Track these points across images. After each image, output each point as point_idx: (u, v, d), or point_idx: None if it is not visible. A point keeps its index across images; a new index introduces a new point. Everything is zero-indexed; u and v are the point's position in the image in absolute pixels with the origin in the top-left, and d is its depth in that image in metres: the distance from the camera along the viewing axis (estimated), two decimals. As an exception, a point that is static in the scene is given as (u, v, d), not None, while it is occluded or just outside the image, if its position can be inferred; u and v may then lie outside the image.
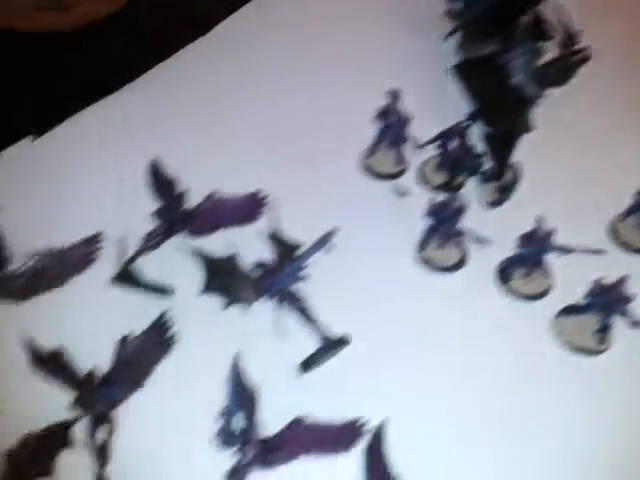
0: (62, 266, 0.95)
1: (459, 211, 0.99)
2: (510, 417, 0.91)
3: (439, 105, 1.22)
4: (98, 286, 0.96)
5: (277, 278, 0.91)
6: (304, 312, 0.90)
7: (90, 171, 1.10)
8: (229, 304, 0.96)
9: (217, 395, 0.85)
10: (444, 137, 1.11)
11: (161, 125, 1.16)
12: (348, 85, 1.29)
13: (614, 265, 1.01)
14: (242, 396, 0.79)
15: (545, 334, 0.99)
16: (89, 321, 0.94)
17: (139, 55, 1.28)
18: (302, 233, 0.99)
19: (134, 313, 0.94)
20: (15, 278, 0.92)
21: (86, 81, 1.24)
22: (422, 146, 1.11)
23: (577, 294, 0.98)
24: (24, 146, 1.14)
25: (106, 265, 0.97)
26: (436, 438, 0.86)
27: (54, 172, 1.10)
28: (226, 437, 0.77)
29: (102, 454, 0.77)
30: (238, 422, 0.77)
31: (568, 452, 0.89)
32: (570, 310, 0.98)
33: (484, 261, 1.06)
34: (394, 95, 1.11)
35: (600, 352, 0.96)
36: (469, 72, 1.21)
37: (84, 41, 1.32)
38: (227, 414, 0.77)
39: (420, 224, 1.07)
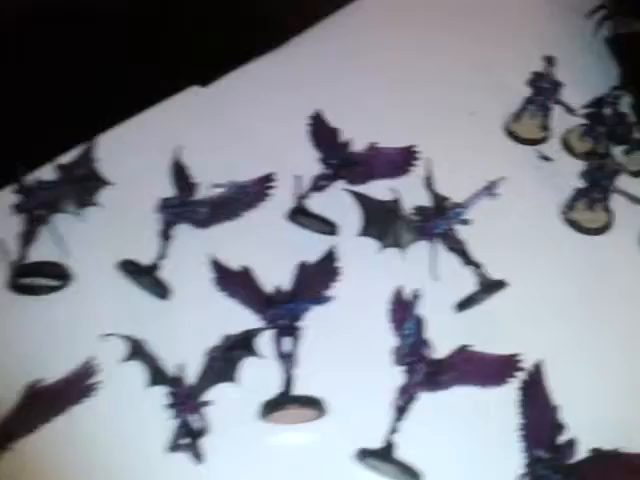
0: (240, 199, 1.05)
1: (614, 173, 1.03)
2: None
3: (589, 75, 1.26)
4: (272, 220, 1.07)
5: (438, 222, 0.98)
6: (464, 254, 0.96)
7: (260, 118, 1.21)
8: (387, 246, 1.04)
9: (378, 326, 0.94)
10: (596, 105, 1.15)
11: (325, 79, 1.25)
12: (504, 49, 1.35)
13: None
14: (416, 321, 0.86)
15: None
16: (264, 250, 1.04)
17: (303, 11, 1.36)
18: (449, 189, 1.05)
19: (304, 246, 1.04)
20: (200, 206, 1.02)
21: (251, 37, 1.34)
22: (575, 112, 1.15)
23: None
24: (197, 92, 1.27)
25: (278, 202, 1.07)
26: (590, 379, 0.92)
27: (228, 117, 1.21)
28: (401, 355, 0.85)
29: (289, 361, 0.87)
30: (411, 342, 0.85)
31: None
32: None
33: (629, 226, 1.10)
34: (549, 61, 1.15)
35: None
36: (621, 45, 1.24)
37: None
38: (403, 335, 0.85)
39: (565, 188, 1.12)
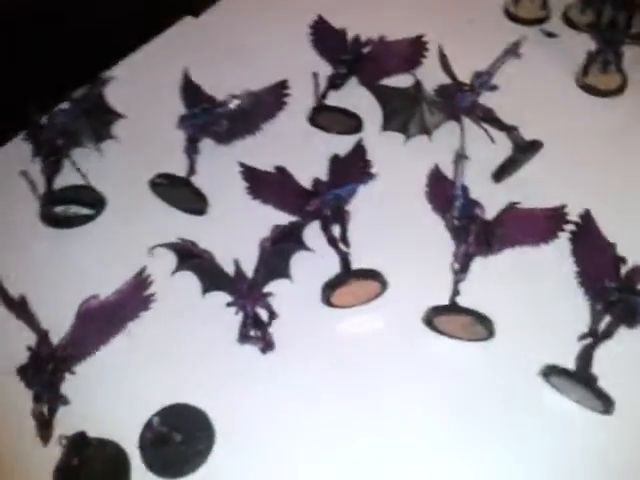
0: (258, 111, 1.03)
1: (625, 29, 1.04)
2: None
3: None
4: (294, 126, 1.06)
5: (464, 95, 0.97)
6: (496, 120, 0.96)
7: (261, 34, 1.21)
8: (412, 135, 1.04)
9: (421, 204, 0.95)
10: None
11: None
12: None
13: None
14: (462, 185, 0.86)
15: None
16: (291, 156, 1.01)
17: None
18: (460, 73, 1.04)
19: (330, 143, 1.03)
20: (220, 117, 1.00)
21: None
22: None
23: None
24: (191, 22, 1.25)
25: (296, 108, 1.06)
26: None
27: (228, 38, 1.21)
28: (452, 220, 0.85)
29: (343, 244, 0.87)
30: (462, 205, 0.85)
31: None
32: None
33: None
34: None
35: None
36: None
37: None
38: (456, 199, 0.85)
39: (575, 59, 1.13)
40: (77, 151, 1.01)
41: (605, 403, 0.75)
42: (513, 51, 0.94)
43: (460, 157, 0.85)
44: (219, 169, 1.01)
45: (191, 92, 1.05)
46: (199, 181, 0.99)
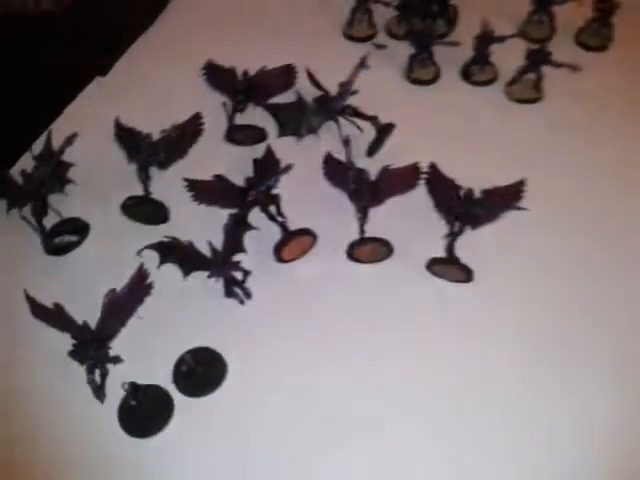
0: (183, 138, 1.35)
1: (434, 34, 1.49)
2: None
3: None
4: (212, 146, 1.39)
5: (336, 101, 1.36)
6: (360, 114, 1.35)
7: (169, 78, 1.55)
8: (304, 135, 1.40)
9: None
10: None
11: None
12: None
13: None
14: (352, 161, 1.25)
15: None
16: (217, 165, 1.35)
17: None
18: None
19: (243, 155, 1.37)
20: (153, 149, 1.30)
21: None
22: (390, 4, 1.59)
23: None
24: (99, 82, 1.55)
25: (210, 135, 1.39)
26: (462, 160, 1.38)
27: (145, 85, 1.53)
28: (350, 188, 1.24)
29: (280, 214, 1.22)
30: (354, 175, 1.24)
31: None
32: (513, 80, 1.51)
33: (451, 70, 1.57)
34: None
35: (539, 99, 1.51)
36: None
37: None
38: (350, 169, 1.23)
39: (402, 59, 1.57)
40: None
41: (467, 274, 1.18)
42: (363, 64, 1.34)
43: (346, 141, 1.23)
44: (167, 187, 1.32)
45: (126, 134, 1.35)
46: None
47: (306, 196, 1.32)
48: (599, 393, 1.10)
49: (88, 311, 1.06)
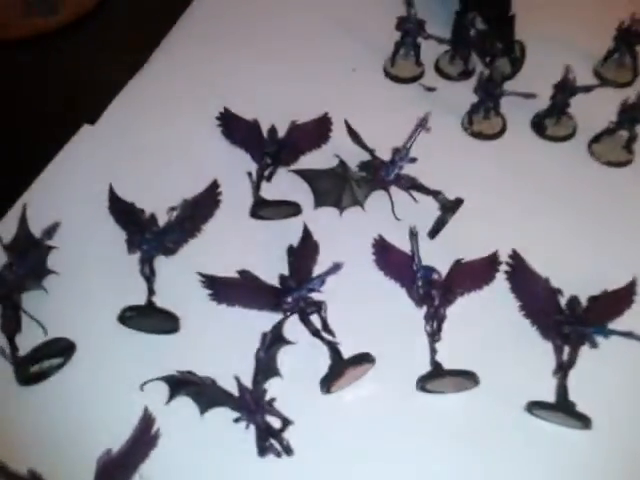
0: (195, 214, 1.06)
1: (502, 80, 1.21)
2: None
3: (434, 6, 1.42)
4: (236, 220, 1.10)
5: (388, 169, 1.07)
6: (422, 187, 1.07)
7: (169, 127, 1.25)
8: (345, 207, 1.12)
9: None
10: (456, 30, 1.31)
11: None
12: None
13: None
14: (418, 254, 0.96)
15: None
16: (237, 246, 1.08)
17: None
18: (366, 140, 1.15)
19: (273, 235, 1.09)
20: (168, 233, 1.01)
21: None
22: (445, 40, 1.30)
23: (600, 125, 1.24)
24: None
25: (230, 211, 1.10)
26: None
27: (139, 137, 1.23)
28: (416, 291, 0.96)
29: (326, 333, 0.94)
30: (422, 274, 0.95)
31: None
32: (598, 137, 1.24)
33: (521, 121, 1.29)
34: (409, 3, 1.28)
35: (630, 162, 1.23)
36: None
37: None
38: (418, 271, 0.95)
39: (457, 105, 1.28)
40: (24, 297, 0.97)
41: (584, 422, 0.89)
42: (423, 125, 1.06)
43: (413, 234, 0.95)
44: (176, 281, 1.03)
45: (122, 211, 1.06)
46: (161, 299, 1.00)
47: (356, 299, 1.03)
48: None
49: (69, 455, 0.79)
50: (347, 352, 0.93)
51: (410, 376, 0.94)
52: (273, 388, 0.91)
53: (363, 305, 1.02)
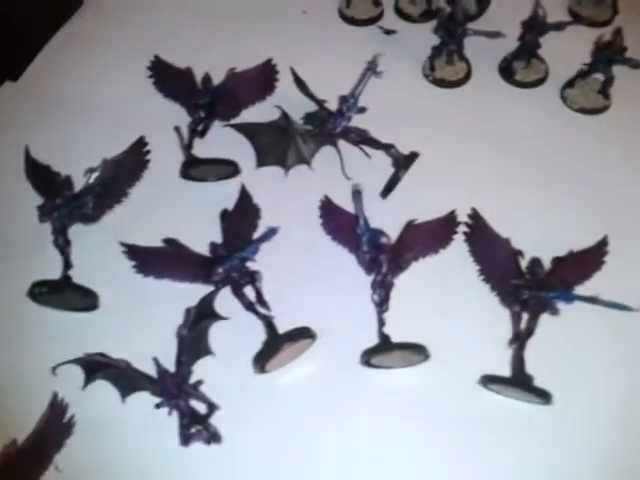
0: (119, 175, 0.95)
1: (467, 18, 1.08)
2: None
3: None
4: (165, 181, 0.99)
5: (336, 121, 0.96)
6: (373, 141, 0.96)
7: (98, 81, 1.11)
8: (290, 166, 1.01)
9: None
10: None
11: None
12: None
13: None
14: (363, 218, 0.85)
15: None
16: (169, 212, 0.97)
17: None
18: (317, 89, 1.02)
19: (208, 199, 0.97)
20: (83, 197, 0.90)
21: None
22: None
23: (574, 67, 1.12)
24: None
25: (161, 166, 0.98)
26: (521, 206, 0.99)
27: (66, 94, 1.09)
28: (364, 256, 0.85)
29: (261, 307, 0.84)
30: (367, 238, 0.85)
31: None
32: (572, 81, 1.12)
33: (488, 66, 1.17)
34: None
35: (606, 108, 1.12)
36: None
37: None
38: (363, 235, 0.84)
39: (419, 50, 1.16)
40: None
41: (544, 397, 0.80)
42: (372, 69, 0.94)
43: (357, 193, 0.84)
44: (97, 253, 0.92)
45: (39, 175, 0.94)
46: (79, 273, 0.90)
47: (296, 268, 0.93)
48: None
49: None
50: (285, 327, 0.84)
51: (356, 352, 0.84)
52: (203, 369, 0.82)
53: (306, 274, 0.92)
